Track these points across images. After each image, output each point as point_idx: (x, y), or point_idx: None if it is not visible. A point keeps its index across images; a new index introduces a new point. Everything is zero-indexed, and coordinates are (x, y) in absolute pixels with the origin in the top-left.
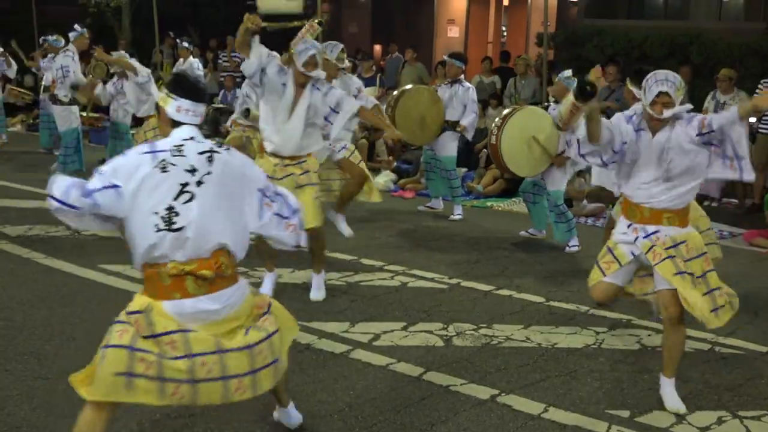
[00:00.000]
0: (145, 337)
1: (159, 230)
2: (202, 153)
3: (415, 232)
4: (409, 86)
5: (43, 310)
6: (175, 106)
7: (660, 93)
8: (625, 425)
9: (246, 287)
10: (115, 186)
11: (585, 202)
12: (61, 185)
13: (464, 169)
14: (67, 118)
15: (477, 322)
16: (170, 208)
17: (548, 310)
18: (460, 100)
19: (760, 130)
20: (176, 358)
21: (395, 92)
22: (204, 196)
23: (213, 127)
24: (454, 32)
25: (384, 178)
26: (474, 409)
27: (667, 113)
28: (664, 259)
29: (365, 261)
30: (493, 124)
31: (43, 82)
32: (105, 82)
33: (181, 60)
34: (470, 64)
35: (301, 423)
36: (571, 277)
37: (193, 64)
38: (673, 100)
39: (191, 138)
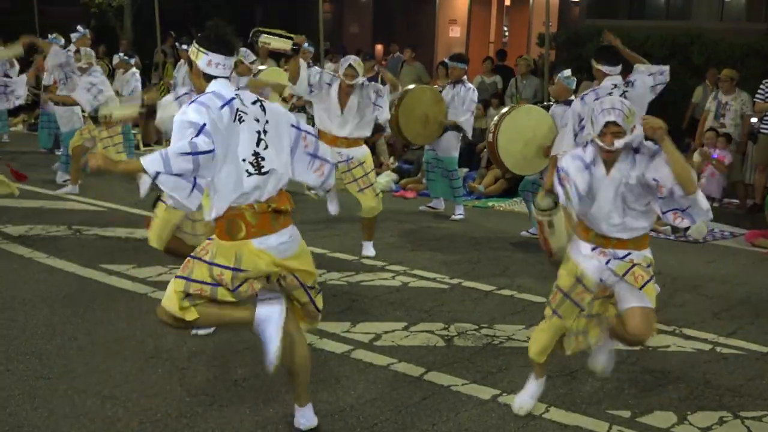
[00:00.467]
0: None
1: (250, 175)
2: (254, 103)
3: (416, 232)
4: (412, 86)
5: (45, 310)
6: (206, 60)
7: (608, 123)
8: (626, 425)
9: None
10: (213, 147)
11: None
12: (158, 157)
13: (466, 170)
14: (70, 119)
15: (478, 322)
16: (256, 154)
17: None
18: (462, 100)
19: (761, 131)
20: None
21: (398, 91)
22: (272, 141)
23: None
24: (456, 32)
25: (385, 179)
26: (475, 409)
27: (618, 143)
28: (648, 281)
29: (366, 261)
30: (491, 123)
31: (44, 82)
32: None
33: (182, 61)
34: (471, 64)
35: (315, 426)
36: None
37: None
38: (624, 129)
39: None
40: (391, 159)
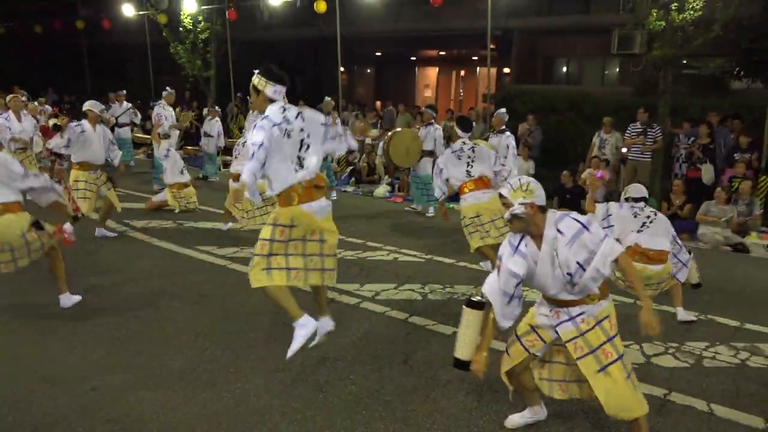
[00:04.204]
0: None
1: (296, 171)
2: (297, 115)
3: (403, 224)
4: (398, 129)
5: (156, 278)
6: (273, 89)
7: (500, 195)
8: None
9: (329, 203)
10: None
11: None
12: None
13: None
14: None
15: (444, 283)
16: (299, 157)
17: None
18: (432, 136)
19: (629, 158)
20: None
21: (389, 132)
22: (312, 142)
23: None
24: (428, 92)
25: (383, 189)
26: (443, 340)
27: (505, 215)
28: (586, 354)
29: (370, 243)
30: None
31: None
32: (190, 127)
33: (251, 111)
34: (438, 113)
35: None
36: None
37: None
38: (510, 201)
39: (285, 108)
40: (386, 176)
